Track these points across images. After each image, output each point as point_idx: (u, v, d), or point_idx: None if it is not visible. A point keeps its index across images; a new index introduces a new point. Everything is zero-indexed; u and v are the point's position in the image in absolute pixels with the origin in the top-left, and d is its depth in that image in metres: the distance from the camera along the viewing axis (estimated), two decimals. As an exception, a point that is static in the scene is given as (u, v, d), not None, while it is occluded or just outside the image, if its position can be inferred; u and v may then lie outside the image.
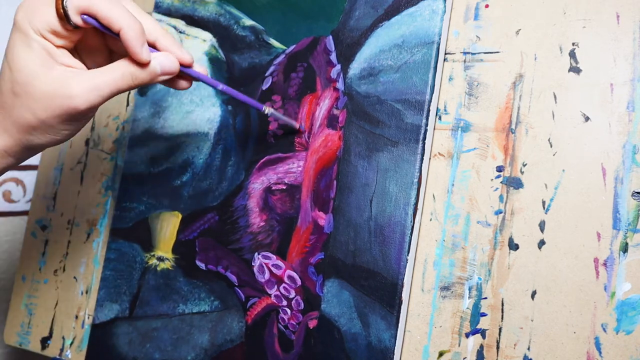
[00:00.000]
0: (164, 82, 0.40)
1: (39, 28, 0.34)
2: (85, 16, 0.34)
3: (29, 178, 0.68)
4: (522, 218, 0.39)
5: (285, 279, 0.45)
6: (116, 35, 0.35)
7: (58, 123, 0.36)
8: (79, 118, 0.36)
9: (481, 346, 0.39)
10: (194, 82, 0.53)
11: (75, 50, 0.38)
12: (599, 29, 0.39)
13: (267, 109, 0.44)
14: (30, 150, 0.38)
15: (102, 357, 0.52)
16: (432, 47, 0.42)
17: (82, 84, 0.35)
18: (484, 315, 0.39)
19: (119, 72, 0.36)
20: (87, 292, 0.56)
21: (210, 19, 0.53)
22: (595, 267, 0.37)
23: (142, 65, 0.37)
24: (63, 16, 0.34)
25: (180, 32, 0.55)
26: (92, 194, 0.58)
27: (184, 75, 0.40)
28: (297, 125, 0.46)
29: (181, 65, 0.39)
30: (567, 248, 0.38)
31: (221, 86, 0.41)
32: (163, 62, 0.37)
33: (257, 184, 0.48)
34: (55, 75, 0.35)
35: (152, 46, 0.38)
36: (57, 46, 0.36)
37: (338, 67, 0.46)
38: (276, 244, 0.46)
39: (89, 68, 0.39)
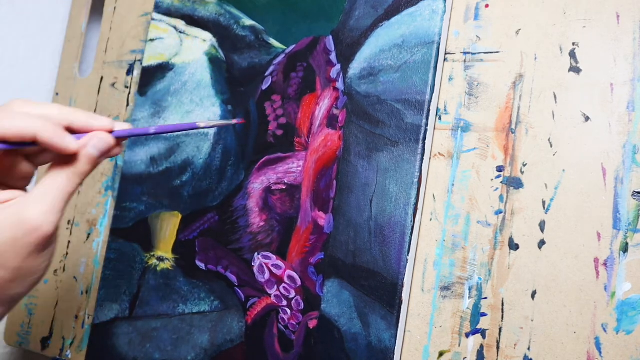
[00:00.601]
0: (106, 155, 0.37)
1: None
2: None
3: (29, 178, 0.68)
4: (522, 218, 0.39)
5: (285, 279, 0.45)
6: (31, 144, 0.32)
7: (34, 260, 0.32)
8: (50, 243, 0.33)
9: (481, 346, 0.39)
10: (191, 86, 0.53)
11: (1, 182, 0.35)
12: (599, 29, 0.39)
13: (201, 123, 0.40)
14: (15, 303, 0.34)
15: (102, 357, 0.52)
16: (432, 47, 0.42)
17: (36, 210, 0.31)
18: (484, 315, 0.39)
19: (63, 178, 0.33)
20: (87, 292, 0.56)
21: (210, 19, 0.53)
22: (595, 267, 0.37)
23: (74, 156, 0.33)
24: None
25: (180, 32, 0.55)
26: (92, 194, 0.58)
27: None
28: (233, 122, 0.44)
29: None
30: (567, 248, 0.37)
31: (153, 129, 0.38)
32: (96, 144, 0.34)
33: (257, 184, 0.48)
34: (3, 219, 0.31)
35: (70, 130, 0.34)
36: None
37: (338, 66, 0.46)
38: (276, 244, 0.46)
39: (19, 186, 0.36)
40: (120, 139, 0.37)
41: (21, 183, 0.36)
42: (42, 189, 0.33)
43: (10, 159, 0.35)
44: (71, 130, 0.34)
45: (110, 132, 0.36)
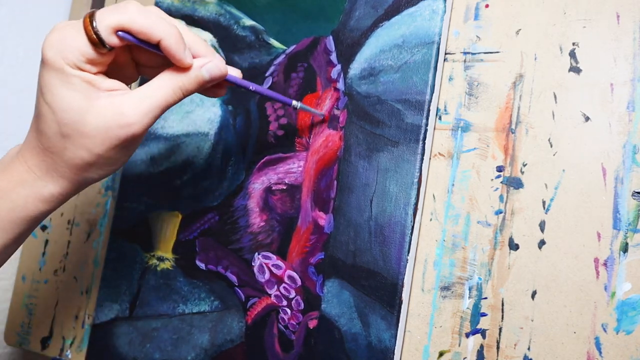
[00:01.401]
0: (205, 92, 0.38)
1: (75, 62, 0.32)
2: (121, 33, 0.32)
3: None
4: (522, 218, 0.39)
5: (286, 279, 0.45)
6: (154, 47, 0.34)
7: (116, 153, 0.34)
8: (136, 143, 0.35)
9: (481, 346, 0.39)
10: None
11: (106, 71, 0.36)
12: (599, 29, 0.39)
13: (295, 103, 0.43)
14: (85, 185, 0.36)
15: (102, 357, 0.52)
16: (432, 47, 0.42)
17: (135, 109, 0.33)
18: (484, 315, 0.39)
19: (168, 88, 0.35)
20: (87, 292, 0.56)
21: (210, 19, 0.53)
22: (595, 267, 0.37)
23: (186, 70, 0.35)
24: (97, 41, 0.32)
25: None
26: (92, 194, 0.58)
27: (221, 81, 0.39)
28: (324, 114, 0.45)
29: None
30: (568, 248, 0.38)
31: (252, 86, 0.40)
32: (210, 68, 0.36)
33: (258, 184, 0.48)
34: (104, 105, 0.33)
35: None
36: (95, 73, 0.33)
37: (338, 67, 0.46)
38: (276, 244, 0.46)
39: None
40: (222, 83, 0.39)
41: (123, 83, 0.37)
42: (147, 91, 0.34)
43: (125, 56, 0.37)
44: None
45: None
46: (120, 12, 0.32)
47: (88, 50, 0.32)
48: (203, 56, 0.36)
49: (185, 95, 0.36)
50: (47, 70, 0.32)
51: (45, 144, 0.34)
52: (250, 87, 0.40)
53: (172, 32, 0.33)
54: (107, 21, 0.32)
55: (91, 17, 0.32)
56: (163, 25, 0.33)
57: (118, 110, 0.33)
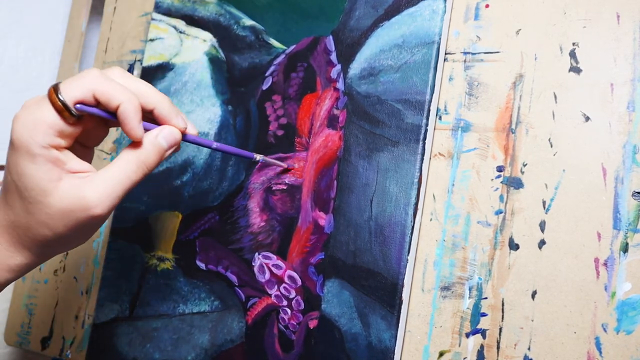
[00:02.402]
0: None
1: (43, 137, 0.32)
2: (79, 105, 0.33)
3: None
4: (523, 218, 0.39)
5: (286, 279, 0.45)
6: (112, 115, 0.34)
7: (77, 234, 0.34)
8: (98, 224, 0.35)
9: (481, 346, 0.39)
10: (191, 86, 0.53)
11: (76, 140, 0.36)
12: (599, 29, 0.39)
13: (258, 156, 0.44)
14: (51, 257, 0.36)
15: (102, 357, 0.52)
16: (432, 47, 0.42)
17: (97, 192, 0.33)
18: (484, 315, 0.39)
19: (131, 167, 0.35)
20: (87, 292, 0.56)
21: (210, 19, 0.53)
22: (595, 267, 0.37)
23: (138, 144, 0.35)
24: (63, 110, 0.32)
25: (180, 32, 0.55)
26: (92, 194, 0.58)
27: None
28: (285, 166, 0.46)
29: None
30: (568, 248, 0.38)
31: (215, 144, 0.40)
32: (167, 137, 0.36)
33: (258, 184, 0.48)
34: (66, 188, 0.33)
35: (150, 112, 0.36)
36: (62, 148, 0.33)
37: (338, 67, 0.46)
38: (276, 244, 0.46)
39: (91, 145, 0.38)
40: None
41: (94, 142, 0.38)
42: (109, 173, 0.34)
43: (95, 119, 0.36)
44: (150, 113, 0.36)
45: (183, 133, 0.37)
46: (82, 79, 0.33)
47: (56, 121, 0.32)
48: (166, 119, 0.36)
49: (149, 170, 0.36)
50: (14, 150, 0.33)
51: (11, 217, 0.34)
52: (213, 146, 0.40)
53: (129, 100, 0.33)
54: (70, 88, 0.32)
55: (55, 88, 0.32)
56: (123, 92, 0.33)
57: (80, 193, 0.33)
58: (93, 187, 0.33)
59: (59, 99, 0.32)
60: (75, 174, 0.34)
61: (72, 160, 0.34)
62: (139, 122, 0.34)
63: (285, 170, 0.46)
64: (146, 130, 0.36)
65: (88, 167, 0.35)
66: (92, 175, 0.34)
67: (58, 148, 0.33)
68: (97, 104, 0.34)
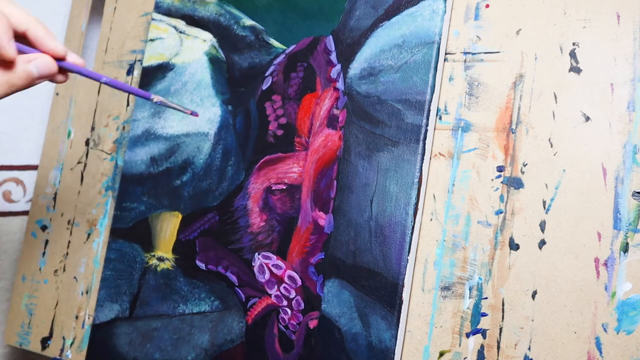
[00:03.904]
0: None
1: None
2: None
3: (29, 178, 0.68)
4: (523, 218, 0.39)
5: (286, 279, 0.45)
6: None
7: None
8: None
9: (482, 346, 0.39)
10: (191, 86, 0.53)
11: None
12: (599, 29, 0.39)
13: (155, 97, 0.41)
14: None
15: (102, 357, 0.52)
16: (432, 47, 0.42)
17: None
18: (484, 315, 0.39)
19: None
20: (87, 292, 0.56)
21: (210, 19, 0.53)
22: (595, 267, 0.37)
23: (10, 64, 0.34)
24: None
25: (181, 32, 0.55)
26: (92, 194, 0.58)
27: (60, 69, 0.37)
28: (188, 112, 0.43)
29: (56, 59, 0.36)
30: (568, 248, 0.37)
31: (104, 79, 0.38)
32: (39, 65, 0.35)
33: (257, 184, 0.48)
34: None
35: (23, 36, 0.35)
36: None
37: (338, 67, 0.46)
38: (276, 244, 0.46)
39: None
40: (63, 70, 0.37)
41: None
42: None
43: None
44: (24, 39, 0.35)
45: (60, 59, 0.36)
46: None
47: None
48: (41, 43, 0.35)
49: (12, 91, 0.35)
50: None
51: None
52: (102, 80, 0.38)
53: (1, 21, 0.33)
54: None
55: None
56: None
57: None
58: None
59: None
60: None
61: None
62: (9, 41, 0.33)
63: (188, 114, 0.43)
64: (23, 53, 0.35)
65: None
66: None
67: None
68: None
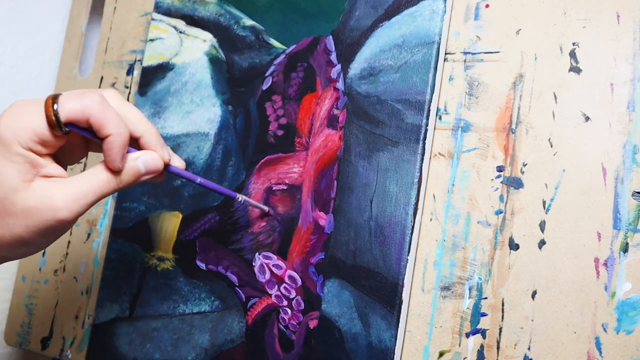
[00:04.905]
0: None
1: (26, 140, 0.32)
2: (70, 126, 0.33)
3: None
4: (523, 218, 0.39)
5: (286, 279, 0.45)
6: (100, 139, 0.34)
7: (37, 237, 0.33)
8: (61, 229, 0.34)
9: (482, 346, 0.39)
10: (191, 86, 0.53)
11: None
12: (599, 29, 0.39)
13: (240, 197, 0.44)
14: None
15: (102, 357, 0.52)
16: (432, 47, 0.42)
17: (65, 194, 0.33)
18: (484, 315, 0.39)
19: (103, 178, 0.35)
20: (87, 292, 0.56)
21: (210, 19, 0.53)
22: (595, 267, 0.37)
23: (116, 172, 0.35)
24: (55, 124, 0.32)
25: (180, 32, 0.55)
26: (92, 194, 0.58)
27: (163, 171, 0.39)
28: (266, 210, 0.46)
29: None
30: (568, 248, 0.38)
31: (199, 180, 0.40)
32: (147, 162, 0.36)
33: (258, 184, 0.48)
34: (36, 188, 0.32)
35: (137, 140, 0.36)
36: (42, 155, 0.33)
37: (338, 67, 0.46)
38: (277, 244, 0.46)
39: (66, 163, 0.37)
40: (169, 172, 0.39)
41: (70, 160, 0.37)
42: (80, 180, 0.34)
43: (78, 137, 0.37)
44: (137, 141, 0.36)
45: (166, 164, 0.38)
46: (82, 100, 0.33)
47: (44, 131, 0.32)
48: (151, 148, 0.37)
49: (120, 187, 0.36)
50: None
51: None
52: (197, 181, 0.40)
53: (122, 133, 0.34)
54: (68, 106, 0.32)
55: (54, 99, 0.32)
56: (116, 124, 0.33)
57: (48, 193, 0.32)
58: (62, 189, 0.33)
59: (54, 111, 0.32)
60: (48, 177, 0.33)
61: (50, 165, 0.34)
62: (122, 157, 0.35)
63: (265, 214, 0.46)
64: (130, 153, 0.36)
65: (63, 173, 0.35)
66: (64, 179, 0.34)
67: (38, 153, 0.33)
68: (88, 126, 0.33)
